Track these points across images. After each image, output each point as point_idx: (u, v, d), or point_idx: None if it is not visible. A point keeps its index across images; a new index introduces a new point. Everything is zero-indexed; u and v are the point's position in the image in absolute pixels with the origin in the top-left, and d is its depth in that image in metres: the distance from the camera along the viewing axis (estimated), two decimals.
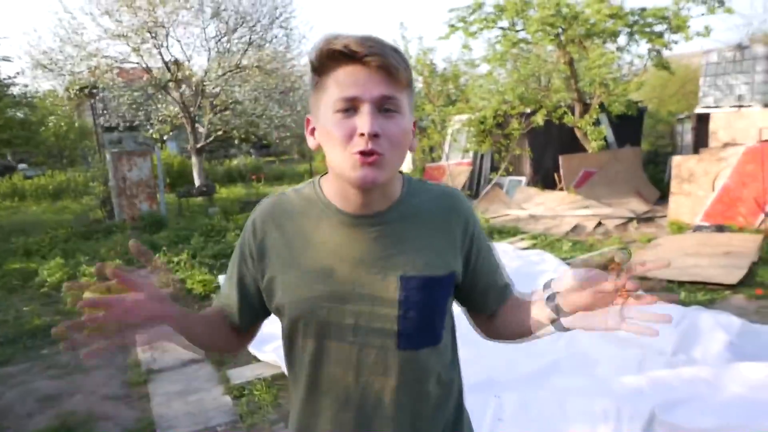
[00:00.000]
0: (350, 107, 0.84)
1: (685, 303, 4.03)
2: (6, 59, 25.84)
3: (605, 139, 9.67)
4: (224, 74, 12.07)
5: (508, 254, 5.55)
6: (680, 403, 2.14)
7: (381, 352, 0.95)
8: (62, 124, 18.32)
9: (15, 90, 23.13)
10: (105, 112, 15.38)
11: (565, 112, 8.97)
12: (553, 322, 0.93)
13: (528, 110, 9.49)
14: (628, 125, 10.66)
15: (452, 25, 9.80)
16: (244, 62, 12.58)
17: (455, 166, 10.66)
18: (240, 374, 3.50)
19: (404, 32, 9.20)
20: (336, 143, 0.85)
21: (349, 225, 0.95)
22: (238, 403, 3.16)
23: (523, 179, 10.08)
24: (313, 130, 0.94)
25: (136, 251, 0.86)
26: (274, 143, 15.06)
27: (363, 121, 0.83)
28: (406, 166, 16.08)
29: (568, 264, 5.51)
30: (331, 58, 0.85)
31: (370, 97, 0.84)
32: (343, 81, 0.85)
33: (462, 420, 1.09)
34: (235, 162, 17.91)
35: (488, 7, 9.52)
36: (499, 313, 1.08)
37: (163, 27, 11.96)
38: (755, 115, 8.48)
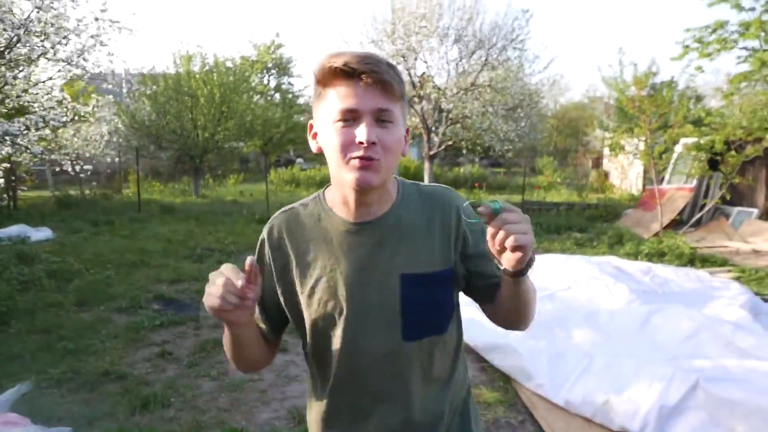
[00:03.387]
0: (350, 118, 0.93)
1: None
2: (298, 76, 32.82)
3: None
4: (458, 92, 13.71)
5: (688, 276, 5.68)
6: (724, 380, 2.61)
7: (390, 344, 1.03)
8: None
9: (301, 100, 29.29)
10: None
11: None
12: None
13: None
14: None
15: (686, 46, 9.54)
16: (479, 81, 14.04)
17: (675, 191, 10.26)
18: None
19: (622, 57, 9.34)
20: (337, 149, 0.94)
21: (352, 232, 1.03)
22: None
23: (755, 211, 9.21)
24: (316, 134, 1.03)
25: (248, 267, 0.91)
26: (497, 155, 16.22)
27: (361, 131, 0.92)
28: (633, 186, 15.49)
29: (762, 299, 5.36)
30: (332, 73, 0.94)
31: (367, 109, 0.93)
32: (344, 94, 0.93)
33: (469, 405, 1.18)
34: (461, 170, 19.63)
35: (731, 26, 9.04)
36: (498, 299, 1.08)
37: (414, 52, 14.19)
38: None
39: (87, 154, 12.12)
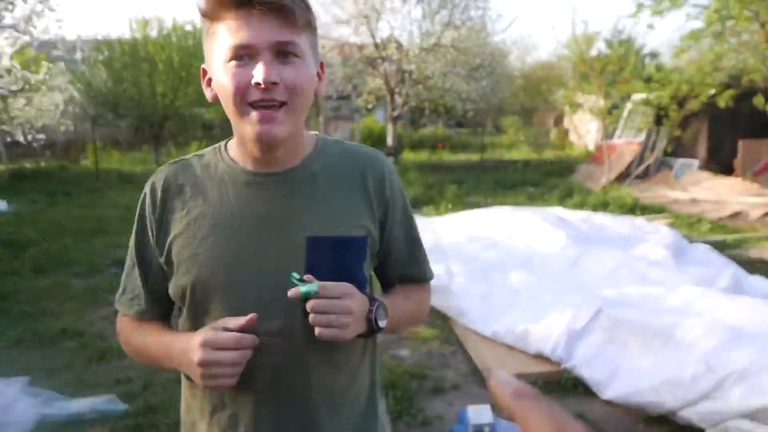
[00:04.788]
0: (244, 55, 0.79)
1: None
2: None
3: None
4: (421, 53, 13.72)
5: (624, 223, 6.06)
6: (623, 305, 2.96)
7: (287, 320, 0.85)
8: None
9: None
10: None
11: (746, 94, 8.46)
12: None
13: (713, 92, 9.09)
14: None
15: (640, 4, 9.76)
16: (442, 41, 14.06)
17: (625, 145, 10.69)
18: None
19: (574, 16, 9.53)
20: (231, 95, 0.80)
21: (254, 184, 0.89)
22: None
23: (696, 162, 9.71)
24: (210, 80, 0.87)
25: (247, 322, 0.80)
26: (458, 115, 16.41)
27: (258, 70, 0.77)
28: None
29: (689, 241, 5.76)
30: (220, 4, 0.79)
31: (265, 43, 0.78)
32: (235, 27, 0.78)
33: (375, 398, 1.00)
34: (425, 131, 19.81)
35: None
36: (394, 288, 1.02)
37: (377, 12, 14.06)
38: None
39: (41, 124, 11.86)
